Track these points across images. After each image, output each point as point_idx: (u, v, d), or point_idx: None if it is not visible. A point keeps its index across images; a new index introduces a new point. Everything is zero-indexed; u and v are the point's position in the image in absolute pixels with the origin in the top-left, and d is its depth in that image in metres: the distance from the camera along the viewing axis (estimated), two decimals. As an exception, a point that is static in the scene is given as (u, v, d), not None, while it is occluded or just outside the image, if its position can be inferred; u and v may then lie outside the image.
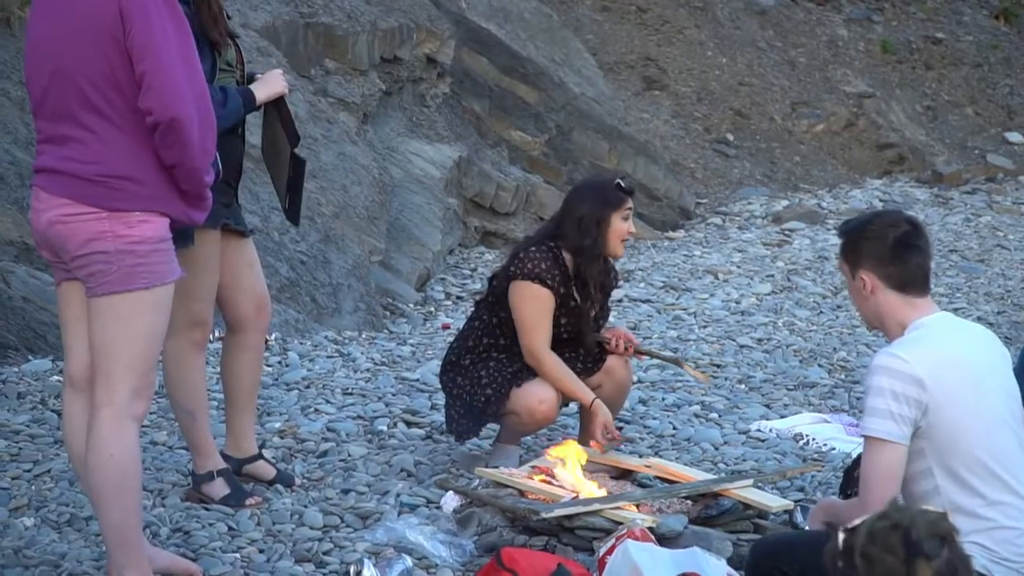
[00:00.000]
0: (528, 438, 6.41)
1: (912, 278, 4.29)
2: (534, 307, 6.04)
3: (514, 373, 6.07)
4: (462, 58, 14.26)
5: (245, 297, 5.65)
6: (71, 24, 4.39)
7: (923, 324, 4.27)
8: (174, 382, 5.54)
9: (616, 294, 10.79)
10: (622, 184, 6.18)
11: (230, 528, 5.39)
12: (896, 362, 4.14)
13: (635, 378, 7.32)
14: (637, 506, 5.35)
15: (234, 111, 5.36)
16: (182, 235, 4.97)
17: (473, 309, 6.42)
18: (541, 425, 6.09)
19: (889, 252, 4.29)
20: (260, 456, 5.90)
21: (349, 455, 6.33)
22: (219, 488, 5.61)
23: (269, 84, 5.57)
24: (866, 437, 4.18)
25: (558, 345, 6.15)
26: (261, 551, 5.20)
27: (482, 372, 6.10)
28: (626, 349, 6.26)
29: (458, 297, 11.15)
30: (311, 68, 12.00)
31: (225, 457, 5.73)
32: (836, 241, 13.34)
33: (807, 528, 4.63)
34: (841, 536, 2.58)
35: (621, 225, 6.11)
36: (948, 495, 4.17)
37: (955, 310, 10.78)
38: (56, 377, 6.96)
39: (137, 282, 4.41)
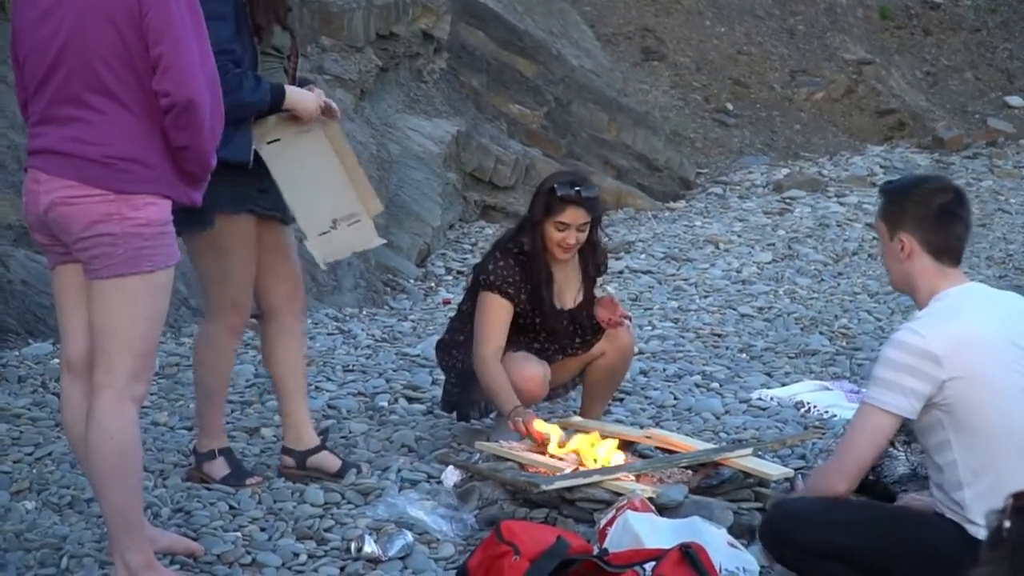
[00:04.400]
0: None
1: (950, 247, 4.30)
2: (488, 318, 6.05)
3: (508, 343, 6.10)
4: (459, 32, 14.22)
5: (278, 284, 5.59)
6: (84, 3, 4.37)
7: (948, 295, 4.26)
8: (202, 362, 5.54)
9: (617, 265, 10.84)
10: (558, 192, 6.00)
11: (231, 507, 5.39)
12: (913, 337, 4.15)
13: (636, 349, 7.32)
14: (637, 477, 5.35)
15: (258, 100, 5.27)
16: (201, 219, 5.02)
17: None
18: (530, 403, 6.08)
19: (934, 218, 4.28)
20: (323, 446, 5.77)
21: (350, 432, 6.34)
22: (220, 467, 5.60)
23: (306, 98, 5.44)
24: (865, 403, 4.20)
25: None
26: (263, 529, 5.20)
27: None
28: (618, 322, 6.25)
29: (459, 272, 11.14)
30: (307, 46, 11.97)
31: (287, 451, 5.69)
32: (837, 208, 13.36)
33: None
34: (1009, 500, 2.55)
35: (555, 234, 6.02)
36: (961, 471, 4.18)
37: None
38: (57, 360, 6.96)
39: (142, 265, 4.40)
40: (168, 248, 4.48)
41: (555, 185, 6.04)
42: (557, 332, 6.19)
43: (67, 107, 4.41)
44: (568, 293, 6.22)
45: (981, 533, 4.12)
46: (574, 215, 6.00)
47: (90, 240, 4.39)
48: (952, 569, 4.11)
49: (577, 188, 6.00)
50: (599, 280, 6.45)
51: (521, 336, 6.15)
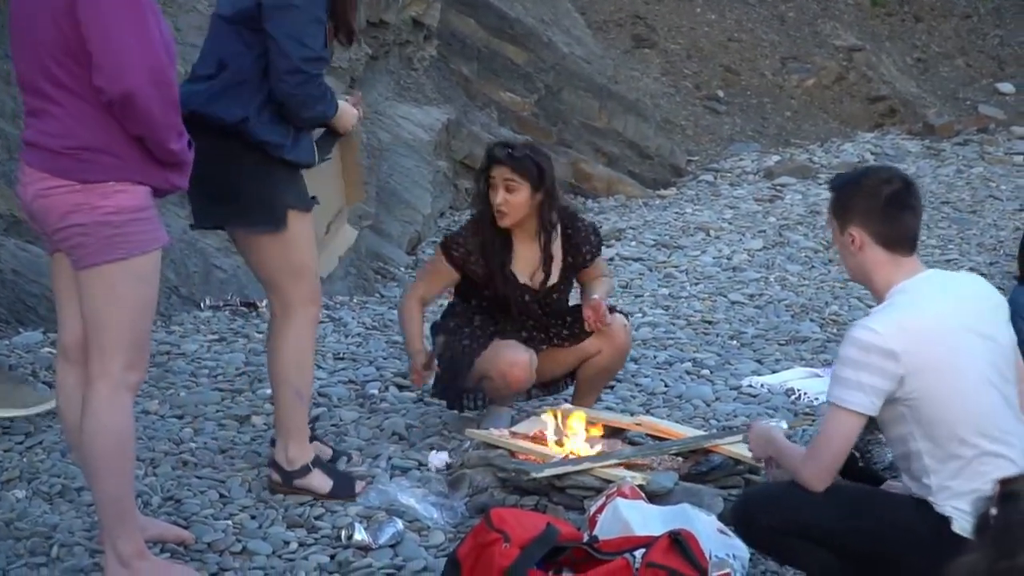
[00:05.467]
0: (520, 401, 6.42)
1: (901, 237, 4.28)
2: (426, 269, 6.47)
3: (495, 331, 6.12)
4: (449, 20, 14.21)
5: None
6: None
7: (903, 289, 4.24)
8: (291, 363, 5.31)
9: (608, 252, 10.83)
10: (488, 150, 6.23)
11: (221, 495, 5.39)
12: (868, 334, 4.12)
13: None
14: (627, 464, 5.36)
15: (332, 113, 5.30)
16: (274, 219, 5.10)
17: None
18: (516, 388, 6.07)
19: (881, 209, 4.26)
20: (312, 466, 5.42)
21: (340, 419, 6.34)
22: (321, 480, 5.38)
23: (348, 113, 5.46)
24: (830, 403, 4.20)
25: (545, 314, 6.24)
26: (253, 517, 5.20)
27: (465, 329, 6.15)
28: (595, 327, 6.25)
29: (449, 260, 11.13)
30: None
31: (275, 466, 5.41)
32: (828, 196, 13.29)
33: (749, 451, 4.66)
34: (997, 487, 2.54)
35: (491, 193, 6.14)
36: (927, 460, 4.18)
37: (947, 261, 10.79)
38: (47, 349, 6.97)
39: (115, 252, 4.38)
40: (144, 234, 4.45)
41: (489, 144, 6.30)
42: (518, 305, 6.19)
43: (38, 100, 4.42)
44: (527, 267, 6.21)
45: (948, 510, 4.14)
46: (499, 172, 6.10)
47: (64, 231, 4.39)
48: (912, 544, 4.15)
49: (508, 149, 6.13)
50: (591, 259, 6.38)
51: (498, 315, 6.18)
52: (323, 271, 5.75)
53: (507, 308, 6.21)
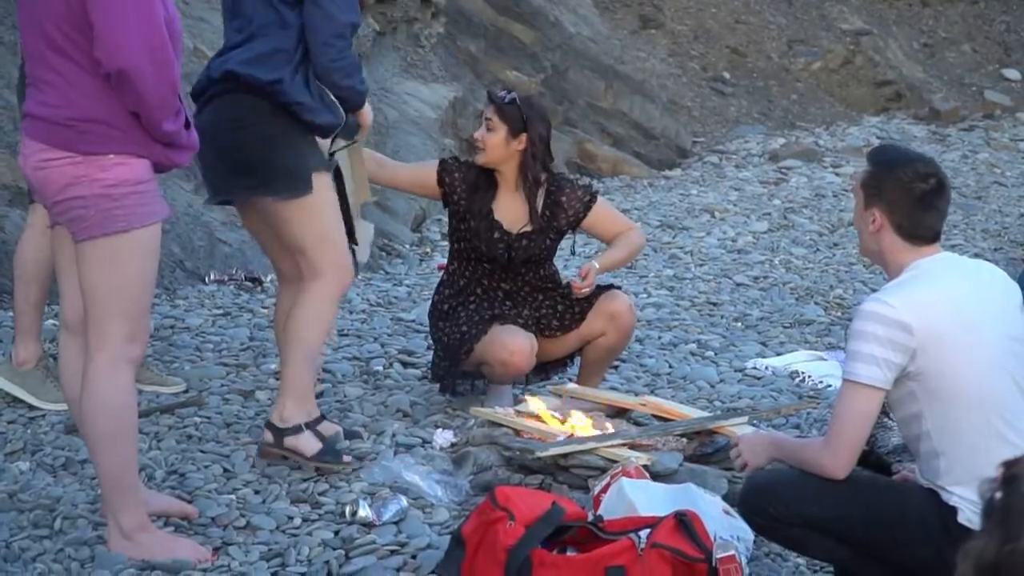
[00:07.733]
0: (532, 384, 6.41)
1: (921, 234, 4.24)
2: (420, 164, 6.94)
3: (493, 316, 6.08)
4: (456, -3, 14.19)
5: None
6: None
7: (919, 265, 4.21)
8: (307, 320, 5.32)
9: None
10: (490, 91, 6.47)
11: (225, 470, 5.38)
12: (882, 307, 4.08)
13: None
14: (632, 444, 5.35)
15: (362, 97, 5.40)
16: (299, 184, 5.10)
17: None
18: (516, 375, 6.06)
19: (909, 206, 4.22)
20: (304, 427, 5.38)
21: (345, 396, 6.33)
22: (309, 442, 5.33)
23: (368, 109, 5.59)
24: (845, 380, 4.15)
25: (533, 291, 6.22)
26: (257, 492, 5.20)
27: (461, 314, 6.13)
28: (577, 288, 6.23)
29: (454, 238, 11.12)
30: (304, 9, 11.89)
31: (268, 425, 5.38)
32: (833, 179, 13.23)
33: (741, 458, 4.60)
34: (1001, 470, 2.51)
35: None
36: (936, 441, 4.15)
37: (952, 247, 10.77)
38: (51, 321, 6.95)
39: (115, 225, 4.36)
40: (144, 207, 4.42)
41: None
42: (486, 242, 6.17)
43: (41, 70, 4.40)
44: (507, 213, 6.19)
45: (953, 500, 4.12)
46: (487, 110, 6.20)
47: (63, 204, 4.38)
48: (920, 535, 4.12)
49: (504, 92, 6.24)
50: (574, 219, 6.34)
51: (471, 267, 6.22)
52: (364, 257, 5.76)
53: (479, 251, 6.18)
